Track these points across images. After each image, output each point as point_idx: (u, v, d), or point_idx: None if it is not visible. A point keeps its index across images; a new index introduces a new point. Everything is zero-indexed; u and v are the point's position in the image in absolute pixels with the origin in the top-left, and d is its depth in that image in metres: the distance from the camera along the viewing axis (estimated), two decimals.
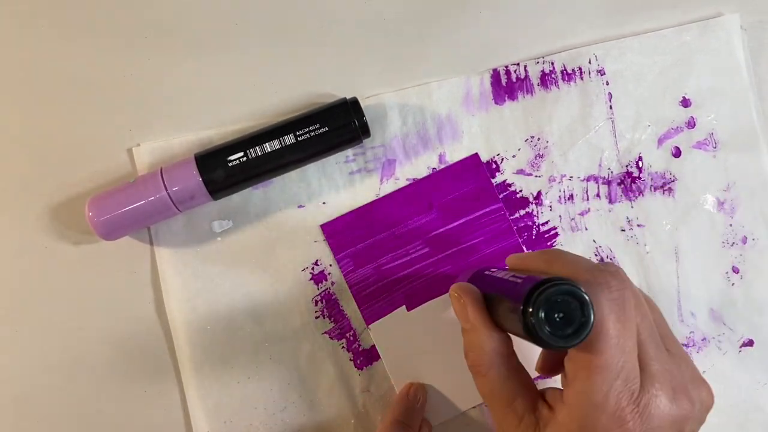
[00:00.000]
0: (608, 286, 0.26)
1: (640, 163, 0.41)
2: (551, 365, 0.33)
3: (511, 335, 0.29)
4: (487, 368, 0.29)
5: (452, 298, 0.31)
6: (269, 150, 0.36)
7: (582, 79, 0.41)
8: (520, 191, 0.41)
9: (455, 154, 0.40)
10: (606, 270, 0.27)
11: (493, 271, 0.32)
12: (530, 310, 0.24)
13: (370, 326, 0.40)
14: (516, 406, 0.28)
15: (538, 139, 0.41)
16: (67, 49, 0.38)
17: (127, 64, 0.39)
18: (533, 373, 0.31)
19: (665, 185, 0.41)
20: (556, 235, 0.41)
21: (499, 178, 0.41)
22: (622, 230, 0.41)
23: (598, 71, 0.41)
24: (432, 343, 0.40)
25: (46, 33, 0.38)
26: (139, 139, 0.39)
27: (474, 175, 0.40)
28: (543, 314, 0.24)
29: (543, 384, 0.40)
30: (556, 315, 0.24)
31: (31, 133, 0.39)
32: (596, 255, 0.41)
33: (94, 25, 0.38)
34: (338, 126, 0.37)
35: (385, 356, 0.40)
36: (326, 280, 0.40)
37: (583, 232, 0.41)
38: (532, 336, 0.24)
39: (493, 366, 0.29)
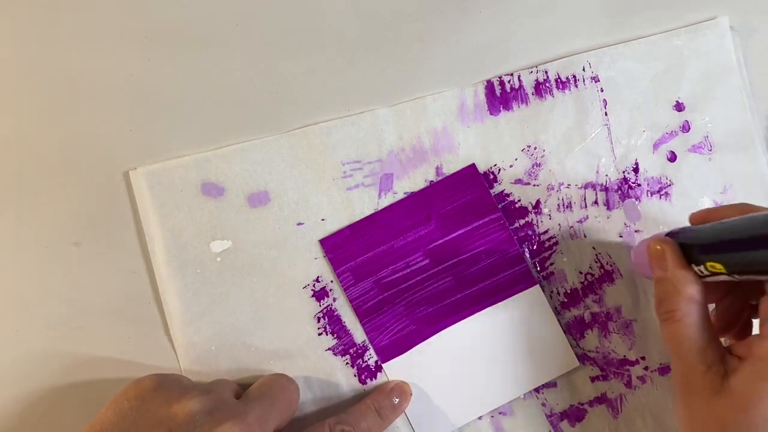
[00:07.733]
0: None
1: (637, 169, 0.41)
2: (727, 321, 0.34)
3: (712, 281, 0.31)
4: (682, 314, 0.30)
5: (650, 249, 0.33)
6: None
7: (576, 86, 0.41)
8: (519, 201, 0.41)
9: (452, 165, 0.41)
10: None
11: (688, 227, 0.34)
12: None
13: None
14: (706, 354, 0.29)
15: (535, 148, 0.41)
16: (69, 50, 0.38)
17: (126, 67, 0.39)
18: None
19: (662, 190, 0.41)
20: (557, 243, 0.41)
21: (497, 189, 0.41)
22: (621, 236, 0.41)
23: (593, 78, 0.41)
24: (435, 354, 0.40)
25: (46, 46, 0.38)
26: (138, 136, 0.39)
27: (471, 185, 0.40)
28: None
29: None
30: None
31: (30, 133, 0.38)
32: (596, 262, 0.41)
33: (88, 35, 0.38)
34: None
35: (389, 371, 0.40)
36: (328, 296, 0.40)
37: (582, 239, 0.41)
38: None
39: (689, 313, 0.30)
